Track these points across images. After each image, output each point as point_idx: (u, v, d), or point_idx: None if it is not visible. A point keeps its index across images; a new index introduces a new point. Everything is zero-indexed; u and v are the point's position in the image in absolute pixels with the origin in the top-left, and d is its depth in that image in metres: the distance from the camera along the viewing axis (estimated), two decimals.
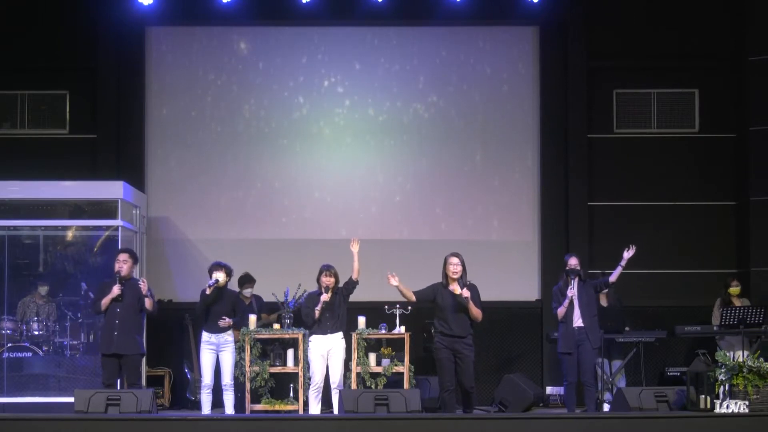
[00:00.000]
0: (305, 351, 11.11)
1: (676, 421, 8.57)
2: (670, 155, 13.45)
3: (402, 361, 11.34)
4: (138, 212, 12.60)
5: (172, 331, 12.76)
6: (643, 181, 13.43)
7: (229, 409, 10.68)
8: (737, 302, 12.17)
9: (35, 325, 12.07)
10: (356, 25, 13.47)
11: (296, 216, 13.42)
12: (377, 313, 11.61)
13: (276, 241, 13.37)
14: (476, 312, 10.09)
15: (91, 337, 12.25)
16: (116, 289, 10.09)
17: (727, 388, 8.72)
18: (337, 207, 13.42)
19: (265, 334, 11.41)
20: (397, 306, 11.42)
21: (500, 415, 10.83)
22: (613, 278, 10.88)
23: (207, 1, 13.03)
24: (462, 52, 13.53)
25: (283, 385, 11.59)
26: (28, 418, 8.73)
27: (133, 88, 13.37)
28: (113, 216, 11.97)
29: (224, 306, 10.61)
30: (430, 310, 10.48)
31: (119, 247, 11.56)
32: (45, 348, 12.15)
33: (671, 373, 12.68)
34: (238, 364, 11.10)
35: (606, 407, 11.22)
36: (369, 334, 11.33)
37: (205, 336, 10.66)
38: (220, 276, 10.58)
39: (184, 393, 12.46)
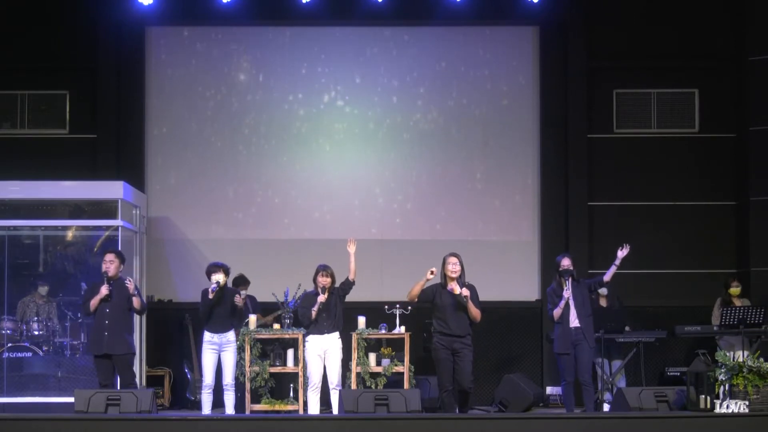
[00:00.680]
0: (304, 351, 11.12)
1: (676, 421, 8.57)
2: (670, 155, 13.45)
3: (402, 361, 11.34)
4: (138, 212, 12.60)
5: (172, 331, 12.77)
6: (643, 181, 13.43)
7: (230, 409, 10.67)
8: (737, 302, 12.17)
9: (35, 325, 12.07)
10: (356, 25, 13.48)
11: (296, 216, 13.42)
12: (377, 313, 11.62)
13: (276, 241, 13.37)
14: (475, 312, 10.10)
15: (90, 337, 12.23)
16: (104, 290, 10.07)
17: (727, 388, 8.71)
18: (338, 207, 13.42)
19: (265, 334, 11.41)
20: (397, 306, 11.42)
21: (500, 415, 10.82)
22: (607, 277, 10.87)
23: (207, 1, 13.04)
24: (462, 52, 13.53)
25: (283, 385, 11.59)
26: (28, 418, 8.72)
27: (133, 88, 13.38)
28: (113, 216, 11.97)
29: (226, 305, 10.62)
30: (430, 310, 10.47)
31: (119, 247, 11.57)
32: (45, 348, 12.15)
33: (671, 373, 12.68)
34: (238, 364, 11.10)
35: (606, 407, 11.21)
36: (369, 334, 11.33)
37: (207, 336, 10.66)
38: (219, 278, 10.58)
39: (184, 393, 12.47)
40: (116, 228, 11.94)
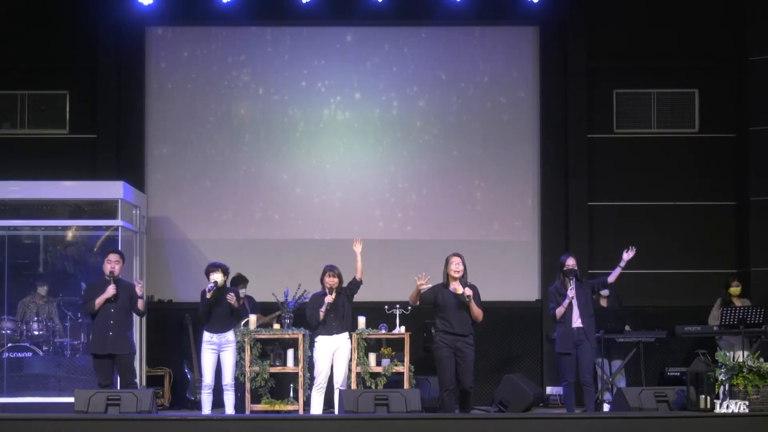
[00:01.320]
0: (308, 351, 11.12)
1: (676, 421, 8.57)
2: (670, 155, 13.45)
3: (402, 361, 11.33)
4: (138, 212, 12.60)
5: (172, 331, 12.77)
6: (643, 181, 13.43)
7: (230, 409, 10.67)
8: (738, 302, 12.17)
9: (35, 325, 12.07)
10: (356, 25, 13.48)
11: (297, 216, 13.42)
12: (377, 313, 11.62)
13: (276, 241, 13.37)
14: (477, 311, 10.11)
15: (91, 337, 12.22)
16: (111, 290, 10.07)
17: (727, 388, 8.71)
18: (338, 207, 13.43)
19: (265, 334, 11.41)
20: (397, 306, 11.43)
21: (500, 415, 10.83)
22: (611, 279, 10.88)
23: (207, 1, 13.04)
24: (462, 51, 13.53)
25: (283, 385, 11.59)
26: (28, 418, 8.72)
27: (133, 88, 13.38)
28: (113, 216, 11.97)
29: (224, 305, 10.61)
30: (430, 310, 10.48)
31: (119, 247, 11.56)
32: (45, 348, 12.15)
33: (671, 373, 12.67)
34: (238, 364, 11.10)
35: (606, 407, 11.21)
36: (369, 334, 11.33)
37: (207, 336, 10.66)
38: (218, 278, 10.59)
39: (184, 393, 12.47)
40: (116, 228, 11.94)
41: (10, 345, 11.97)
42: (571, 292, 10.58)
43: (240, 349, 11.17)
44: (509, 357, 13.25)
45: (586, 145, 13.37)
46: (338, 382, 10.62)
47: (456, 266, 10.12)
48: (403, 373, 11.33)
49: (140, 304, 10.21)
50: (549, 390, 13.00)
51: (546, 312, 12.98)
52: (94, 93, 13.36)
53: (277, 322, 11.75)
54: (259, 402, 11.40)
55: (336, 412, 10.14)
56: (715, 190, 13.45)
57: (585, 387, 10.56)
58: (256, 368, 11.27)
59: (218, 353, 10.66)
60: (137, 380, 10.77)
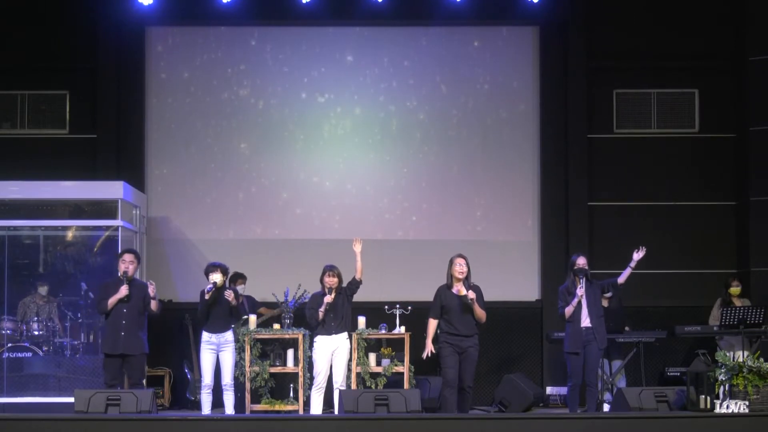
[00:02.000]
0: (308, 351, 11.12)
1: (676, 421, 8.57)
2: (670, 155, 13.45)
3: (402, 361, 11.34)
4: (138, 212, 12.60)
5: (172, 331, 12.76)
6: (643, 181, 13.43)
7: (230, 409, 10.67)
8: (738, 302, 12.17)
9: (35, 325, 12.07)
10: (356, 25, 13.48)
11: (297, 216, 13.42)
12: (377, 313, 11.62)
13: (276, 241, 13.37)
14: (480, 313, 10.13)
15: (91, 337, 12.25)
16: (124, 290, 10.10)
17: (727, 388, 8.71)
18: (338, 207, 13.42)
19: (265, 334, 11.41)
20: (397, 306, 11.43)
21: (500, 415, 10.83)
22: (621, 279, 10.88)
23: (207, 1, 13.04)
24: (462, 51, 13.53)
25: (283, 385, 11.60)
26: (28, 418, 8.72)
27: (133, 88, 13.38)
28: (113, 216, 11.97)
29: (223, 305, 10.61)
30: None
31: (119, 246, 11.57)
32: (45, 348, 12.15)
33: (671, 373, 12.67)
34: (238, 364, 11.10)
35: (606, 407, 11.20)
36: (369, 334, 11.34)
37: (206, 336, 10.66)
38: (217, 278, 10.58)
39: (184, 393, 12.46)
40: (116, 228, 11.94)
41: (10, 345, 11.97)
42: (580, 291, 10.56)
43: (240, 349, 11.17)
44: (509, 357, 13.25)
45: (586, 145, 13.37)
46: (337, 382, 10.62)
47: (460, 267, 10.13)
48: (403, 373, 11.34)
49: (153, 305, 10.24)
50: (549, 390, 12.99)
51: (546, 312, 13.00)
52: (94, 93, 13.36)
53: (277, 322, 11.75)
54: (259, 402, 11.40)
55: (336, 412, 10.14)
56: (715, 190, 13.45)
57: (588, 387, 10.56)
58: (256, 368, 11.27)
59: (217, 353, 10.66)
60: (145, 381, 10.78)
